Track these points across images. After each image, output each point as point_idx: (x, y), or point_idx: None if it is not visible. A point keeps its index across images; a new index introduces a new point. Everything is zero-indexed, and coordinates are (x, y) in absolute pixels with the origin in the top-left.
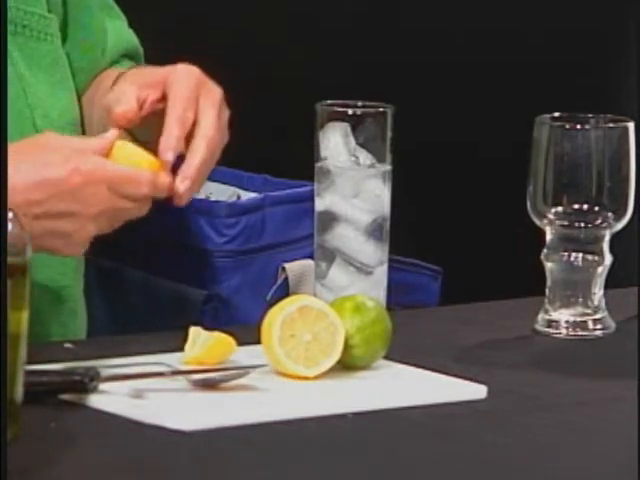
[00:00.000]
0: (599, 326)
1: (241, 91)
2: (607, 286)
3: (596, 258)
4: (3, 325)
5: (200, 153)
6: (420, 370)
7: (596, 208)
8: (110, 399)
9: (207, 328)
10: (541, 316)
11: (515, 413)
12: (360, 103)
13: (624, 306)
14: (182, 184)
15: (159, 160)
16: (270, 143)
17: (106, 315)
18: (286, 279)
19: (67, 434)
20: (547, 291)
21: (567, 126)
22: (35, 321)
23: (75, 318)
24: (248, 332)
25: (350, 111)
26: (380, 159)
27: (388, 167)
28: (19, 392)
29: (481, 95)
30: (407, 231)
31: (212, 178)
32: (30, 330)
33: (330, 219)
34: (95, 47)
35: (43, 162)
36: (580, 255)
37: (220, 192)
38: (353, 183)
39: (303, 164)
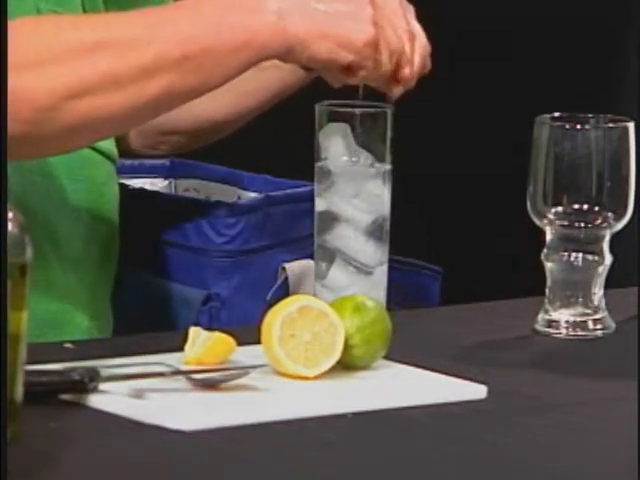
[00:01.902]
0: (599, 326)
1: None
2: (607, 286)
3: (596, 258)
4: (3, 325)
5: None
6: (420, 370)
7: (596, 208)
8: (110, 399)
9: (207, 328)
10: (541, 316)
11: (515, 413)
12: (360, 103)
13: (624, 306)
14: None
15: None
16: (270, 143)
17: None
18: (286, 279)
19: (67, 434)
20: (547, 291)
21: (567, 126)
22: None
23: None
24: (248, 332)
25: (350, 111)
26: (380, 159)
27: (388, 167)
28: (19, 392)
29: (481, 95)
30: (407, 231)
31: (212, 178)
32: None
33: (330, 219)
34: None
35: None
36: (580, 255)
37: (220, 192)
38: (353, 183)
39: (303, 164)
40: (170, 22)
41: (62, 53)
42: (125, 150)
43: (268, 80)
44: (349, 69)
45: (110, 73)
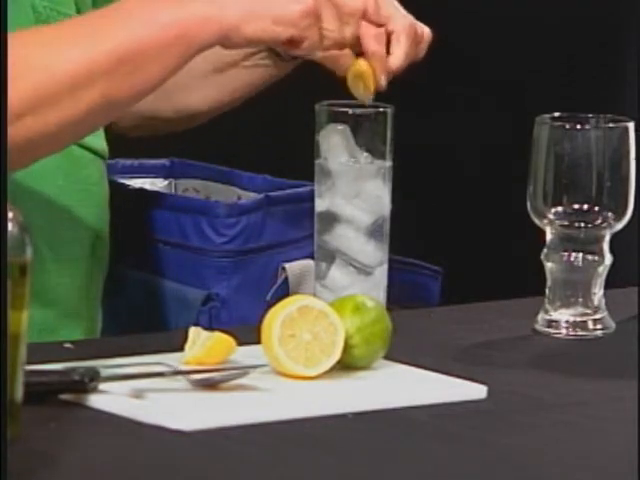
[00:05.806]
0: (599, 326)
1: None
2: (607, 286)
3: (596, 258)
4: (3, 325)
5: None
6: (420, 370)
7: (596, 208)
8: (110, 399)
9: (207, 328)
10: (541, 316)
11: (515, 413)
12: (360, 103)
13: (624, 306)
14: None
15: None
16: (270, 143)
17: (106, 315)
18: (286, 279)
19: (67, 434)
20: (547, 291)
21: (567, 126)
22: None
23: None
24: (248, 332)
25: (350, 111)
26: (380, 159)
27: (388, 167)
28: (19, 392)
29: (481, 95)
30: (407, 231)
31: (212, 178)
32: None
33: (330, 220)
34: None
35: None
36: (580, 255)
37: (220, 192)
38: (353, 184)
39: (303, 164)
40: (101, 27)
41: None
42: (111, 129)
43: (251, 72)
44: (291, 42)
45: (43, 91)
